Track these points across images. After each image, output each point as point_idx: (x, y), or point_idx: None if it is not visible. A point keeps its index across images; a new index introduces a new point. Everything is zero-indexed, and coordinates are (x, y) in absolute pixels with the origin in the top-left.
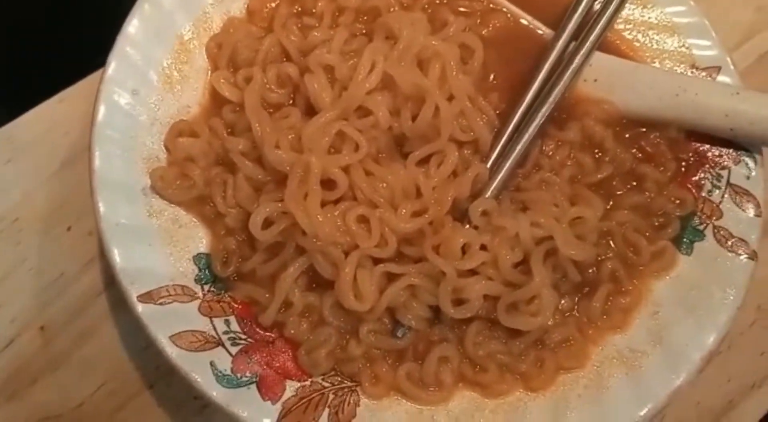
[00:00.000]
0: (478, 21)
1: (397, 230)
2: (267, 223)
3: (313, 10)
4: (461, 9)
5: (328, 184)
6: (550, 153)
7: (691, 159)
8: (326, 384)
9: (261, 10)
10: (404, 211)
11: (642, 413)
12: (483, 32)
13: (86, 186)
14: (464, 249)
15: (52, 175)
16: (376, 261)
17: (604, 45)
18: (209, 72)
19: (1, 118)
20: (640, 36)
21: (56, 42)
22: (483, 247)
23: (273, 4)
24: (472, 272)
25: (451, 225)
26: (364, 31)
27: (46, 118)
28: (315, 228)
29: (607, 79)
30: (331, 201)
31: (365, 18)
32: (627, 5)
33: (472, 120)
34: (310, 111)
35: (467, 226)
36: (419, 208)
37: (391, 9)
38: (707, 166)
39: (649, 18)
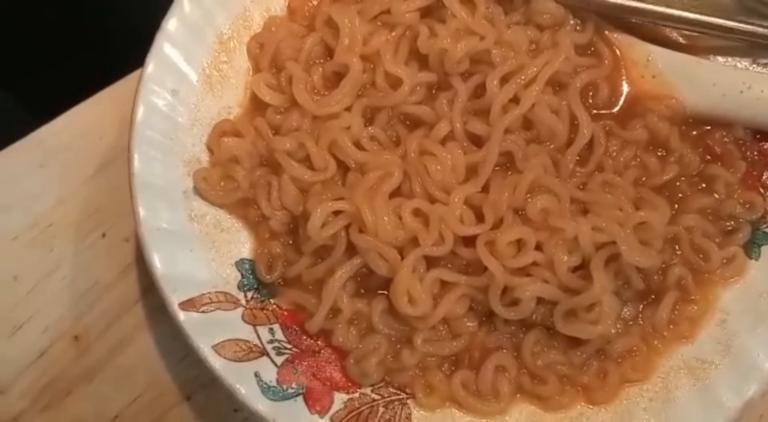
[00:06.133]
0: None
1: (456, 232)
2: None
3: None
4: None
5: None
6: (614, 154)
7: (756, 158)
8: (376, 397)
9: (302, 8)
10: (460, 211)
11: None
12: None
13: (121, 191)
14: (519, 247)
15: (87, 179)
16: (429, 263)
17: (660, 38)
18: (250, 71)
19: (35, 121)
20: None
21: (91, 43)
22: (539, 247)
23: (314, 2)
24: (528, 274)
25: (511, 219)
26: None
27: (81, 122)
28: (376, 225)
29: (666, 74)
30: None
31: None
32: None
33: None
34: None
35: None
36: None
37: None
38: None
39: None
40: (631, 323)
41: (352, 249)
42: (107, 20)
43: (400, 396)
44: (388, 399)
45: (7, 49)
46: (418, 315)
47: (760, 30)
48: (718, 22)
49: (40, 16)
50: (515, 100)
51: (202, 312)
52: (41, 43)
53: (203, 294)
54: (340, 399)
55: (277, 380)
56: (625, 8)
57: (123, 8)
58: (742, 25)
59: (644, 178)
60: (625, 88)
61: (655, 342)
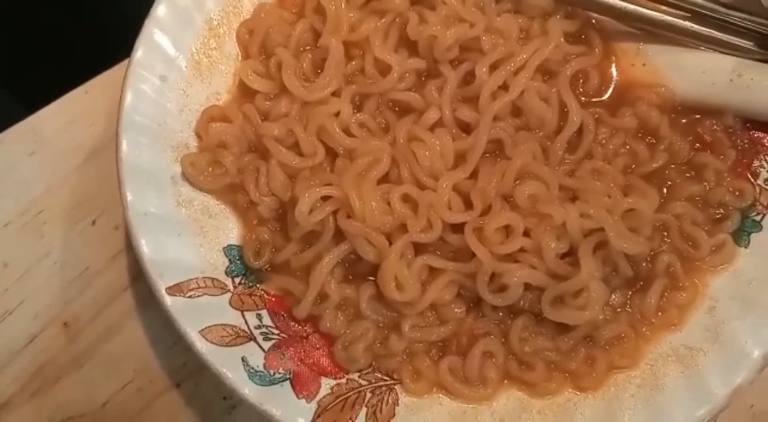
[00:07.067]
0: None
1: (444, 218)
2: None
3: None
4: None
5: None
6: (604, 141)
7: (745, 146)
8: (363, 382)
9: None
10: (448, 197)
11: (699, 414)
12: None
13: (112, 178)
14: (507, 233)
15: (77, 167)
16: (417, 249)
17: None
18: (239, 57)
19: (25, 109)
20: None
21: (81, 32)
22: (527, 233)
23: None
24: (516, 260)
25: (499, 205)
26: None
27: (71, 110)
28: (364, 211)
29: (656, 62)
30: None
31: None
32: None
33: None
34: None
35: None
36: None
37: None
38: (762, 154)
39: None
40: (619, 310)
41: (340, 235)
42: (107, 19)
43: (388, 382)
44: (375, 384)
45: (7, 49)
46: (406, 300)
47: (747, 45)
48: (706, 33)
49: (40, 16)
50: (504, 87)
51: (190, 297)
52: (41, 43)
53: (191, 280)
54: (327, 384)
55: (264, 365)
56: (615, 10)
57: (123, 7)
58: (728, 36)
59: (633, 166)
60: (615, 76)
61: (644, 329)
